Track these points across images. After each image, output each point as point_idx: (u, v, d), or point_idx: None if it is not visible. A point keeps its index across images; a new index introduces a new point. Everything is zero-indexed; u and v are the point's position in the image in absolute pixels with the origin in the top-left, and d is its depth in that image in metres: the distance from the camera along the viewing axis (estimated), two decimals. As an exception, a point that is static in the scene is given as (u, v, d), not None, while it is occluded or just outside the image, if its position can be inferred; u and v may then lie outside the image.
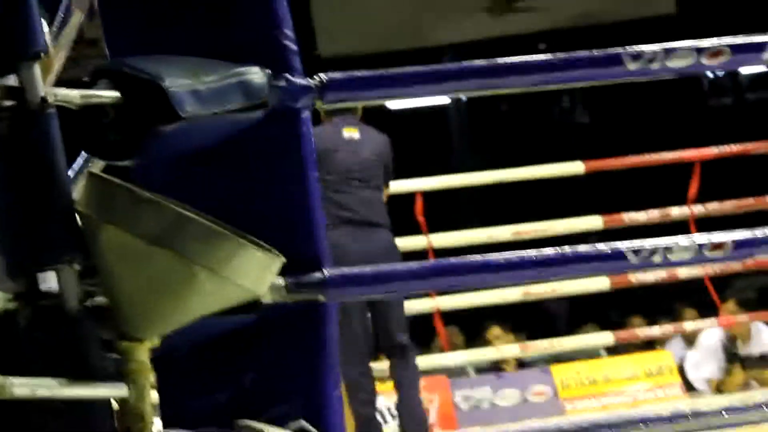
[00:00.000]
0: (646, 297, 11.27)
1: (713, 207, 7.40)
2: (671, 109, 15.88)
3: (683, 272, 7.50)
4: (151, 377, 1.88)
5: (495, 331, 9.01)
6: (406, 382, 5.74)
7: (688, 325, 7.93)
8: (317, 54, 12.76)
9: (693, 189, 7.43)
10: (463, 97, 16.55)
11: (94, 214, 1.82)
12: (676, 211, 7.23)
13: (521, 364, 8.92)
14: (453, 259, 2.20)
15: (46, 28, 2.18)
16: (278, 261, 1.90)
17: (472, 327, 10.24)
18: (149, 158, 2.08)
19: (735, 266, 7.53)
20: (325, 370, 2.10)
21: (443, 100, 16.71)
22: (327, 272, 2.10)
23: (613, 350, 9.61)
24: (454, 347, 8.82)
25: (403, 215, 7.40)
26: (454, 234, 7.60)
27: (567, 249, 2.20)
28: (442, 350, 7.94)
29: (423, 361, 7.59)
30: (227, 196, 2.11)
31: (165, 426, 2.04)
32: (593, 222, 7.26)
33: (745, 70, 18.19)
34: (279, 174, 2.13)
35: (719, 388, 7.84)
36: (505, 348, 8.03)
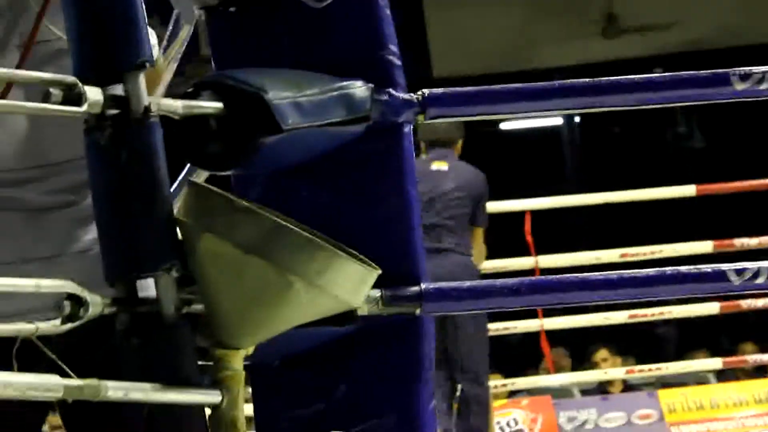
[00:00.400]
0: (759, 323, 11.09)
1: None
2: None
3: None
4: (245, 387, 1.89)
5: (602, 353, 8.97)
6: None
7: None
8: (431, 75, 12.85)
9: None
10: (576, 118, 16.48)
11: (193, 222, 1.84)
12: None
13: (628, 387, 8.85)
14: (550, 277, 2.18)
15: (155, 39, 2.22)
16: (374, 273, 1.90)
17: (579, 349, 10.19)
18: (250, 170, 2.10)
19: None
20: (419, 384, 2.10)
21: (556, 121, 16.66)
22: (423, 286, 2.10)
23: (722, 377, 9.49)
24: (560, 369, 8.79)
25: (512, 235, 7.40)
26: (561, 255, 7.55)
27: (667, 269, 2.17)
28: (548, 371, 7.89)
29: (528, 382, 7.60)
30: (326, 208, 2.12)
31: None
32: (703, 246, 7.17)
33: None
34: (379, 188, 2.14)
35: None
36: (611, 370, 7.98)
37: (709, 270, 2.23)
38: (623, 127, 16.35)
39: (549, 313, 7.33)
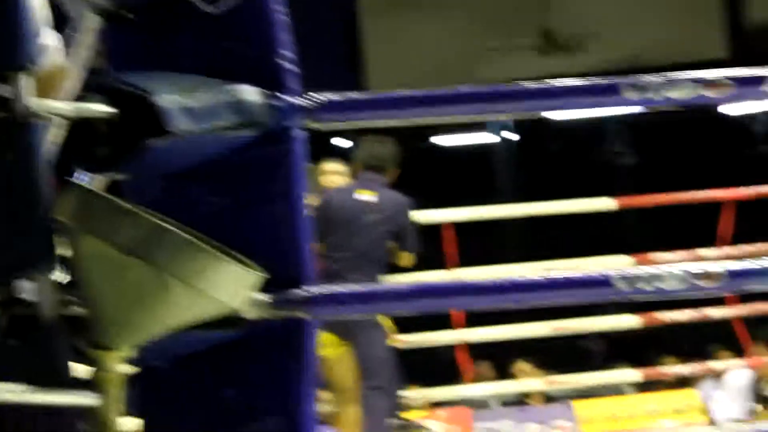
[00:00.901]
0: (686, 339, 11.20)
1: (747, 249, 7.32)
2: (719, 153, 15.81)
3: (715, 313, 7.45)
4: (123, 387, 1.88)
5: (522, 366, 9.02)
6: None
7: (716, 365, 7.87)
8: (367, 87, 12.88)
9: (724, 229, 7.38)
10: (514, 136, 16.55)
11: (74, 224, 1.83)
12: (705, 252, 7.14)
13: (550, 400, 8.89)
14: (436, 282, 2.20)
15: (55, 41, 2.20)
16: (256, 276, 1.90)
17: (504, 363, 10.22)
18: (140, 173, 2.10)
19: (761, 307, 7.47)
20: (305, 387, 2.10)
21: (492, 138, 16.71)
22: (310, 290, 2.11)
23: (645, 389, 9.57)
24: (484, 382, 8.80)
25: (436, 250, 7.41)
26: (483, 268, 7.57)
27: (553, 275, 2.19)
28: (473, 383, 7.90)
29: (447, 393, 7.60)
30: (215, 212, 2.12)
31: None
32: (622, 261, 7.22)
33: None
34: (267, 192, 2.14)
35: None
36: (528, 382, 8.02)
37: (597, 276, 2.25)
38: (562, 144, 16.50)
39: (473, 324, 7.35)
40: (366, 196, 6.03)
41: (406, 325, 6.69)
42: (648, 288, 2.25)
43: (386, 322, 5.94)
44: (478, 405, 8.28)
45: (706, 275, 2.26)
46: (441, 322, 7.53)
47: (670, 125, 16.65)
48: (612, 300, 2.29)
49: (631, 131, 16.66)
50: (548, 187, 13.34)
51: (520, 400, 8.87)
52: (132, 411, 2.06)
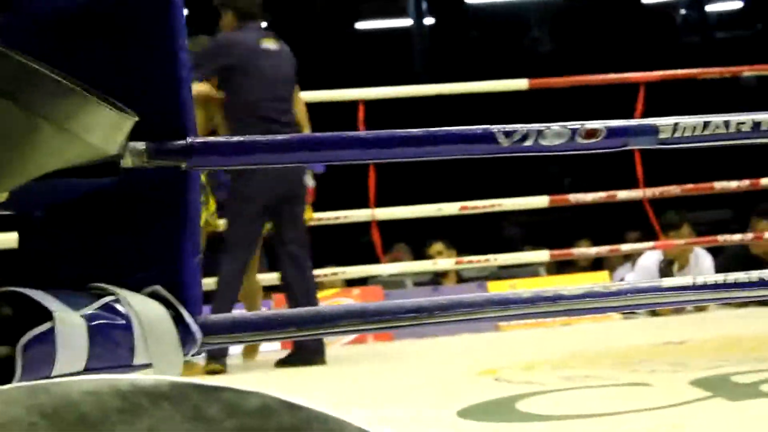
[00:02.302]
0: (602, 223, 11.34)
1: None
2: (636, 39, 15.87)
3: (622, 195, 7.57)
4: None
5: (437, 246, 9.11)
6: (301, 290, 5.93)
7: (626, 248, 7.99)
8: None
9: (637, 111, 7.45)
10: (429, 20, 16.47)
11: (-60, 63, 1.80)
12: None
13: (463, 281, 9.00)
14: (322, 134, 2.19)
15: None
16: (129, 119, 1.89)
17: (421, 246, 10.30)
18: (17, 16, 2.07)
19: (673, 191, 7.59)
20: (184, 238, 2.10)
21: (410, 22, 16.65)
22: (190, 140, 2.10)
23: (560, 272, 9.71)
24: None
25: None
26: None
27: (434, 129, 2.20)
28: (379, 262, 7.97)
29: (361, 270, 7.66)
30: (94, 59, 2.09)
31: (22, 285, 2.03)
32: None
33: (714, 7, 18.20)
34: (147, 42, 2.11)
35: (654, 312, 7.91)
36: (441, 261, 8.09)
37: (479, 131, 2.26)
38: (481, 31, 16.43)
39: (383, 204, 7.40)
40: (273, 45, 6.07)
41: (321, 204, 6.73)
42: (530, 144, 2.27)
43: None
44: (392, 285, 8.35)
45: (586, 132, 2.28)
46: (357, 201, 7.58)
47: (588, 11, 16.69)
48: (495, 154, 2.30)
49: (550, 17, 16.67)
50: (465, 71, 13.35)
51: (435, 281, 8.97)
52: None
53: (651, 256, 8.24)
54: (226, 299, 6.01)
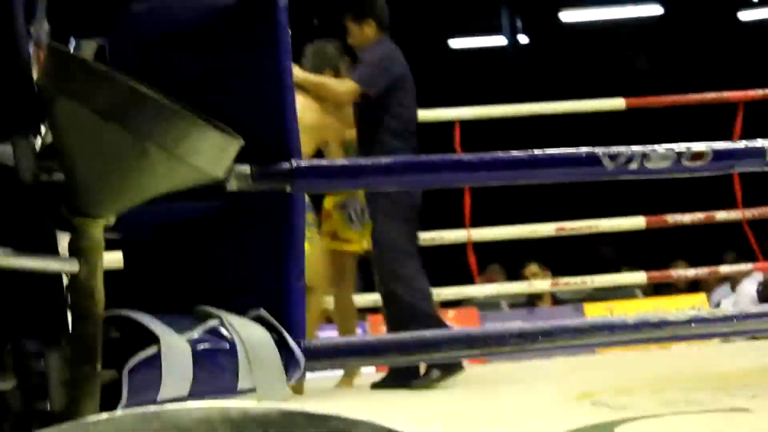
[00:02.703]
0: (699, 245, 11.20)
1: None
2: (734, 57, 15.68)
3: (721, 216, 7.47)
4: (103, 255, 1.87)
5: (532, 268, 9.05)
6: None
7: (725, 269, 7.88)
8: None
9: (736, 131, 7.36)
10: (524, 38, 16.42)
11: (52, 87, 1.82)
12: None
13: (558, 302, 8.93)
14: (424, 156, 2.19)
15: None
16: (236, 143, 1.89)
17: (516, 267, 10.25)
18: (122, 38, 2.09)
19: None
20: (289, 262, 2.10)
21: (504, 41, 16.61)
22: (295, 162, 2.10)
23: (657, 294, 9.59)
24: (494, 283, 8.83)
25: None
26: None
27: (538, 152, 2.18)
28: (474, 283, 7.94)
29: (455, 292, 7.64)
30: (199, 80, 2.10)
31: (129, 308, 2.05)
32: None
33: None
34: (252, 62, 2.12)
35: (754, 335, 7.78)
36: (536, 282, 8.05)
37: (583, 154, 2.24)
38: (573, 50, 16.36)
39: (478, 224, 7.37)
40: None
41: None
42: (635, 167, 2.25)
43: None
44: (487, 307, 8.31)
45: (693, 155, 2.25)
46: (452, 222, 7.56)
47: (686, 30, 16.53)
48: (599, 178, 2.28)
49: (646, 35, 16.53)
50: (560, 89, 13.28)
51: (530, 302, 8.91)
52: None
53: (752, 281, 8.13)
54: (423, 310, 5.73)
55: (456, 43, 16.64)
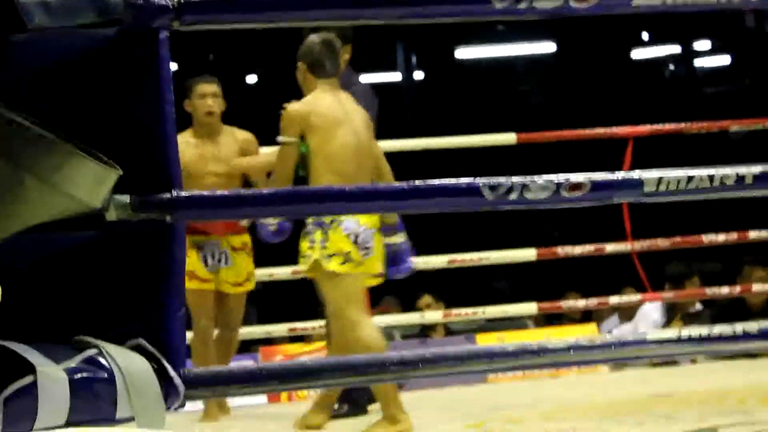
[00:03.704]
0: (593, 277, 11.34)
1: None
2: (626, 93, 15.95)
3: (610, 248, 7.58)
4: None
5: (426, 299, 9.10)
6: None
7: (613, 300, 7.98)
8: None
9: (626, 165, 7.48)
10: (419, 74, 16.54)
11: (-74, 117, 1.81)
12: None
13: (451, 333, 8.98)
14: (305, 187, 2.21)
15: None
16: (114, 173, 1.89)
17: (410, 298, 10.29)
18: (2, 68, 2.07)
19: (662, 244, 7.60)
20: (169, 291, 2.10)
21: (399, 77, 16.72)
22: (175, 193, 2.10)
23: (549, 324, 9.70)
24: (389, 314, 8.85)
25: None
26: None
27: (419, 182, 2.21)
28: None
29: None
30: (80, 111, 2.10)
31: (4, 338, 2.03)
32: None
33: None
34: (133, 94, 2.12)
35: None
36: (429, 314, 8.09)
37: (464, 185, 2.27)
38: (470, 82, 16.53)
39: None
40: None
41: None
42: (515, 197, 2.28)
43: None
44: (381, 338, 8.32)
45: (571, 185, 2.29)
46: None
47: (578, 66, 16.79)
48: (479, 208, 2.31)
49: (539, 71, 16.77)
50: (454, 124, 13.39)
51: (424, 333, 8.95)
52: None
53: (655, 306, 8.32)
54: None
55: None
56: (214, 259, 6.00)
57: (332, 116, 4.90)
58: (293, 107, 4.98)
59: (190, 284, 5.84)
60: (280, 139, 4.94)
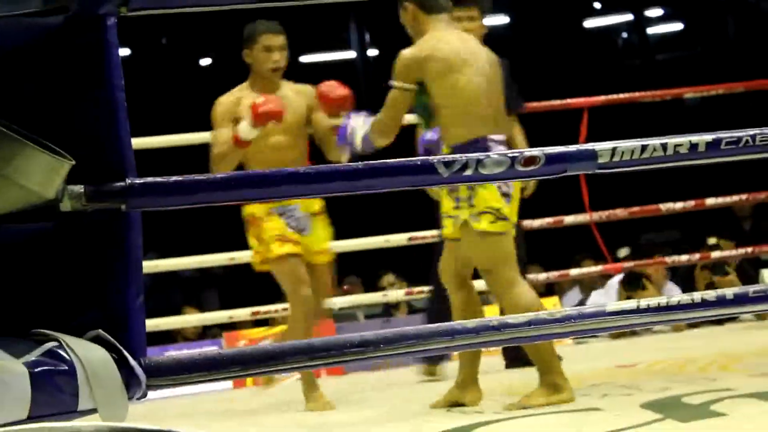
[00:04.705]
0: (552, 249, 11.37)
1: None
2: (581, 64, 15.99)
3: (569, 219, 7.61)
4: None
5: (389, 278, 9.13)
6: None
7: (574, 272, 8.03)
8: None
9: (582, 136, 7.50)
10: (373, 51, 16.51)
11: None
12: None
13: (415, 311, 9.00)
14: (260, 171, 2.20)
15: None
16: (66, 163, 1.88)
17: (372, 277, 10.30)
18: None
19: (620, 214, 7.64)
20: (127, 279, 2.09)
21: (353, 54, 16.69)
22: (129, 181, 2.08)
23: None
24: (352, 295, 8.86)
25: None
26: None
27: (375, 162, 2.20)
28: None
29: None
30: (31, 100, 2.08)
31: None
32: None
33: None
34: (82, 82, 2.10)
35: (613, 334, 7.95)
36: (392, 293, 8.10)
37: (418, 162, 2.26)
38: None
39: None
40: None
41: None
42: (470, 173, 2.28)
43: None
44: (344, 318, 8.34)
45: (525, 159, 2.29)
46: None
47: (530, 36, 16.83)
48: (436, 185, 2.31)
49: (493, 43, 16.79)
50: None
51: (387, 312, 8.97)
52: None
53: (614, 281, 8.39)
54: None
55: (307, 58, 16.67)
56: (297, 226, 5.46)
57: (455, 58, 4.52)
58: (408, 52, 4.59)
59: (282, 248, 5.36)
60: (393, 83, 4.63)
